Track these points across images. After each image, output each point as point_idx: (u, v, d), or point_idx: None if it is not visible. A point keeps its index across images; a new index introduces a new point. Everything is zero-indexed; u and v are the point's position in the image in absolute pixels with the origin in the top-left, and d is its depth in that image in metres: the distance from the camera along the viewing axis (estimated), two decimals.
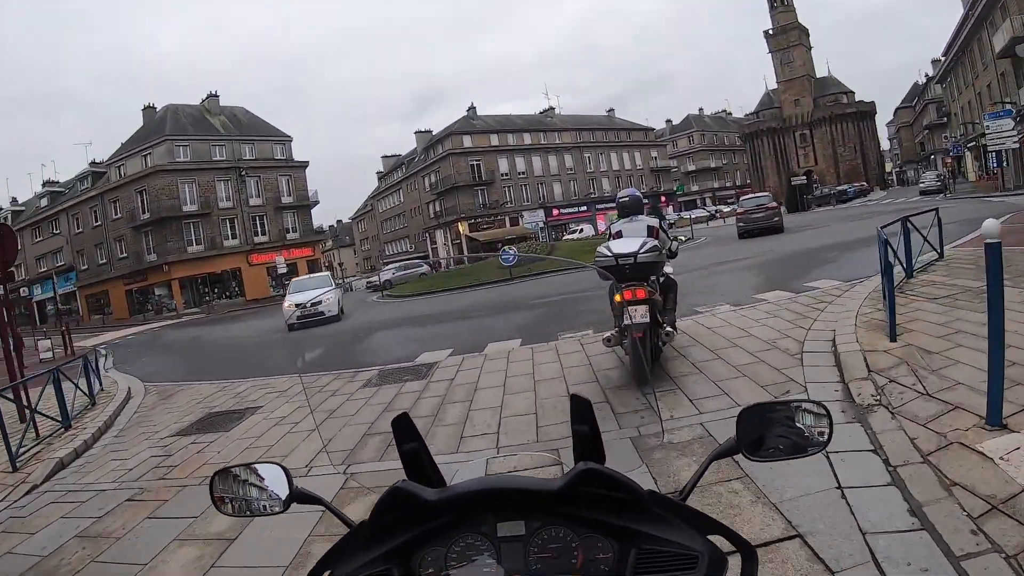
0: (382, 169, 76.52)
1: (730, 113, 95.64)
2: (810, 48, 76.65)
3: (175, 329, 28.67)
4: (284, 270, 42.57)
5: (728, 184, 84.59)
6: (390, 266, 33.59)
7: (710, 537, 1.07)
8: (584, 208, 63.91)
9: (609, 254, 5.54)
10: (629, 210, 6.43)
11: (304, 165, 49.84)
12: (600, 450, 1.14)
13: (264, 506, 1.29)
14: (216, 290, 43.35)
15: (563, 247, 37.76)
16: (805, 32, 75.81)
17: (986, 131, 27.07)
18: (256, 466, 1.31)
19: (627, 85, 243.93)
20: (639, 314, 5.37)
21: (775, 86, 77.92)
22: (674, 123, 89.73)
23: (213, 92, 49.24)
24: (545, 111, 69.33)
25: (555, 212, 62.26)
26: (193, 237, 42.96)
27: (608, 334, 5.80)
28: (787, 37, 74.88)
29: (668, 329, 5.81)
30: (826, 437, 1.19)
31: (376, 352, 10.97)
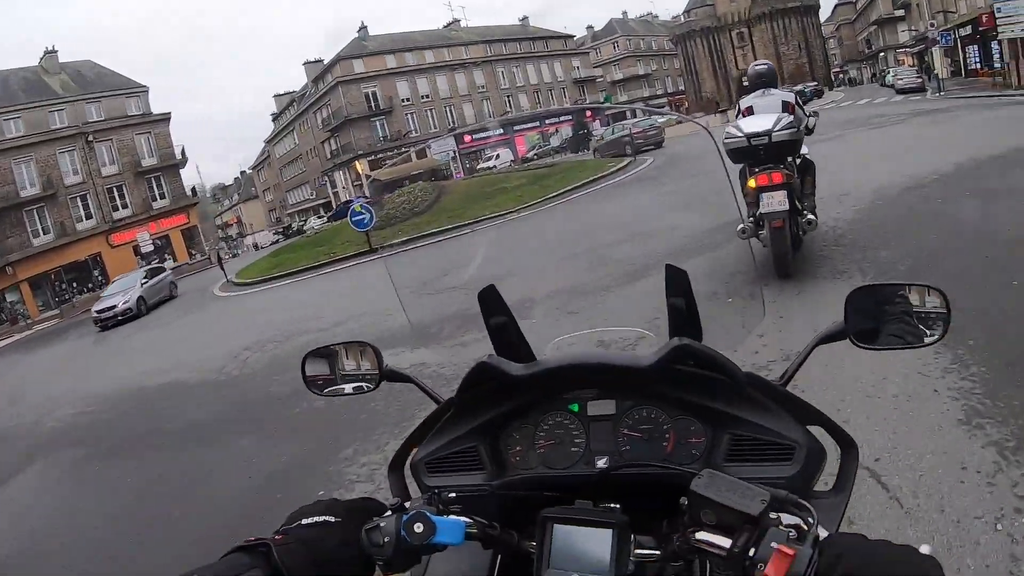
0: (276, 110, 68.42)
1: (656, 16, 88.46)
2: None
3: None
4: (151, 248, 36.72)
5: (660, 92, 79.16)
6: (125, 278, 22.40)
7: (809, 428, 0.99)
8: (500, 131, 58.00)
9: (740, 134, 4.94)
10: (763, 81, 5.88)
11: (166, 117, 42.58)
12: (697, 325, 1.07)
13: (357, 386, 1.28)
14: (75, 284, 36.86)
15: (473, 186, 31.02)
16: None
17: (997, 15, 24.11)
18: (347, 345, 1.30)
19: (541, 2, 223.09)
20: (776, 201, 4.90)
21: None
22: (596, 29, 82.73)
23: (51, 48, 40.84)
24: (449, 24, 61.75)
25: (467, 139, 56.09)
26: (39, 226, 36.00)
27: (741, 225, 5.00)
28: None
29: (809, 217, 5.27)
30: (943, 326, 1.06)
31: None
